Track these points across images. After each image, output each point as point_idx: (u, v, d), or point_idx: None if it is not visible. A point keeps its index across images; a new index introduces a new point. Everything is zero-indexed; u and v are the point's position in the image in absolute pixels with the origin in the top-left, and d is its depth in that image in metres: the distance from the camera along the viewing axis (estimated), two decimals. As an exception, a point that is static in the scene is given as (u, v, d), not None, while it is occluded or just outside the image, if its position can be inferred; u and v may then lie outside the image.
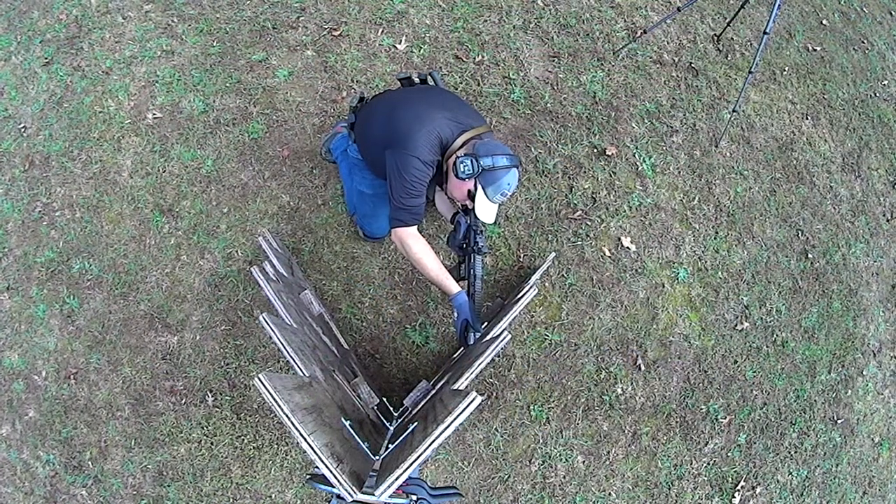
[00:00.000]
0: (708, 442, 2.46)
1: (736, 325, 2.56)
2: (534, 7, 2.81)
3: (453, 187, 1.86)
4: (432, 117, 1.79)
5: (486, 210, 1.80)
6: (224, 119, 2.52)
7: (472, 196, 1.81)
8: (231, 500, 2.23)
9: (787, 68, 3.02)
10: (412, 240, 1.85)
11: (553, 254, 2.38)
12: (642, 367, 2.42)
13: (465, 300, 1.85)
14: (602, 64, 2.75)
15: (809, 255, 2.73)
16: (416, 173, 1.77)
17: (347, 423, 1.23)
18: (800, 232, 2.75)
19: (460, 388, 1.32)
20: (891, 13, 3.50)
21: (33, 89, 2.63)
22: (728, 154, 2.75)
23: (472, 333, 1.81)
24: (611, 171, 2.59)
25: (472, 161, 1.73)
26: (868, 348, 2.75)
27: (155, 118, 2.53)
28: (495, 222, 1.97)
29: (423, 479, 1.75)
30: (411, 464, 0.92)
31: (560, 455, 2.32)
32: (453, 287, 1.86)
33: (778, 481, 2.52)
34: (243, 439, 2.25)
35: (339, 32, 2.66)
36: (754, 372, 2.55)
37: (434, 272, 1.86)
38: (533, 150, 2.57)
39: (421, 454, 0.93)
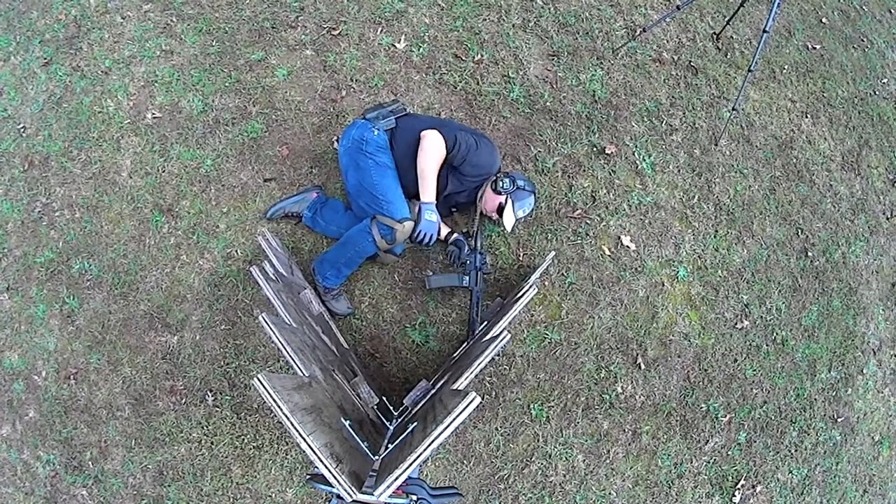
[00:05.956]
0: (708, 440, 2.46)
1: (736, 324, 2.56)
2: (533, 6, 2.81)
3: (487, 200, 2.20)
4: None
5: (509, 221, 2.18)
6: (223, 119, 2.52)
7: (500, 209, 2.18)
8: (231, 500, 2.23)
9: (786, 66, 3.01)
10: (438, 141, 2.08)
11: (553, 252, 2.38)
12: (642, 366, 2.42)
13: (434, 209, 2.09)
14: (601, 62, 2.75)
15: (809, 254, 2.73)
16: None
17: (347, 423, 1.23)
18: (799, 230, 2.74)
19: (460, 387, 1.32)
20: (890, 11, 3.50)
21: (32, 89, 2.63)
22: (728, 152, 2.75)
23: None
24: (610, 169, 2.59)
25: (510, 180, 2.14)
26: (868, 346, 2.75)
27: (154, 118, 2.53)
28: (512, 231, 2.38)
29: (423, 479, 1.75)
30: (411, 464, 0.92)
31: (560, 454, 2.32)
32: (432, 194, 2.09)
33: (778, 480, 2.52)
34: (243, 439, 2.25)
35: (338, 32, 2.66)
36: (754, 370, 2.55)
37: (432, 171, 2.08)
38: (532, 148, 2.56)
39: (420, 454, 0.93)
